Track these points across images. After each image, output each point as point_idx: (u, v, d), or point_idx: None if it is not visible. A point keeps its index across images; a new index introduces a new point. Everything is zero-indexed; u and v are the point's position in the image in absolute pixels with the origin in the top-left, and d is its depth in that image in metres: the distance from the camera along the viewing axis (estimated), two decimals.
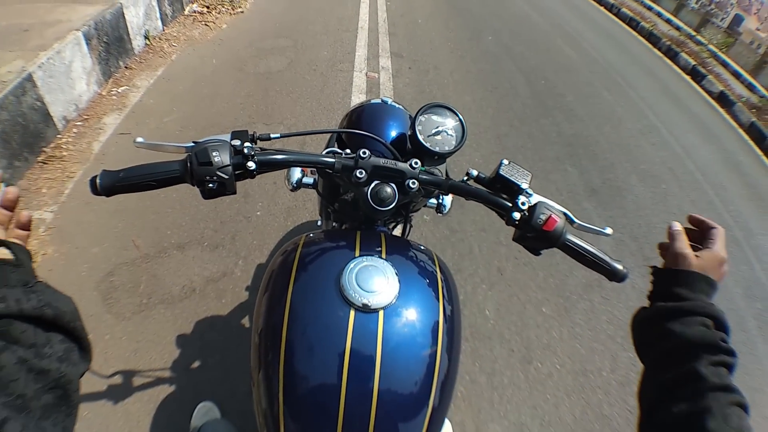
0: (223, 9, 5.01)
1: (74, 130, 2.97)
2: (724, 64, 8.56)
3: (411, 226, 1.24)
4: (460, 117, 1.01)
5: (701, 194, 4.12)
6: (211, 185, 0.75)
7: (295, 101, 3.71)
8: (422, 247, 0.98)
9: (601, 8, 11.73)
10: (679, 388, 0.63)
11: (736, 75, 8.19)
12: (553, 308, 2.54)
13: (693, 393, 0.61)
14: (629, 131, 4.76)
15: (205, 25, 4.65)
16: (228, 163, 0.76)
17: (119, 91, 3.43)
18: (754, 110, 6.50)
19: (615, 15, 11.18)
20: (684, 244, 0.78)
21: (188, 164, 0.76)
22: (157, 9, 4.15)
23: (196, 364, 1.93)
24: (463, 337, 2.19)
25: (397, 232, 1.35)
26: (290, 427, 0.73)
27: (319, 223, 1.71)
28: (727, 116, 6.27)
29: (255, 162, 0.79)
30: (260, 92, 3.74)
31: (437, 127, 0.99)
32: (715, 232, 0.78)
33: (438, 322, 0.81)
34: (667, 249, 0.81)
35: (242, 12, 5.13)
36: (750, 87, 7.64)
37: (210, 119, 3.31)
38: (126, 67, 3.68)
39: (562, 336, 2.42)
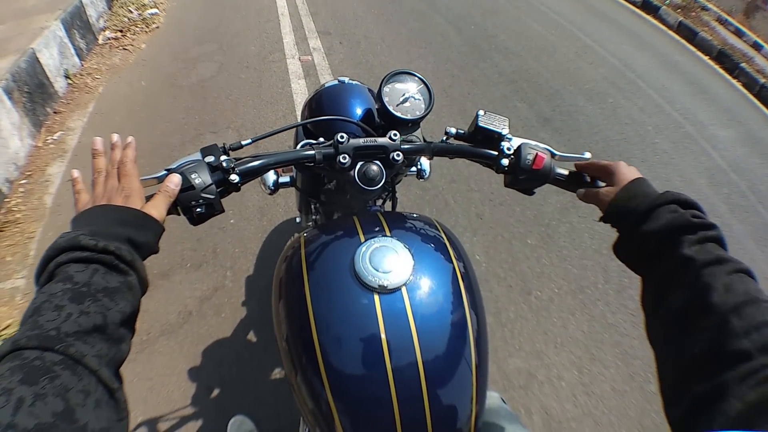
0: (138, 29, 4.80)
1: (21, 189, 2.86)
2: None
3: (397, 198, 1.25)
4: (423, 79, 1.01)
5: (647, 100, 4.28)
6: (198, 210, 0.73)
7: (236, 102, 3.64)
8: (419, 215, 0.98)
9: None
10: (672, 278, 0.63)
11: None
12: (537, 238, 2.64)
13: (687, 277, 0.60)
14: (566, 56, 4.87)
15: (124, 49, 4.46)
16: (210, 182, 0.74)
17: (55, 138, 3.30)
18: (679, 10, 6.67)
19: None
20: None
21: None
22: (70, 45, 3.96)
23: (215, 383, 1.92)
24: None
25: (387, 207, 1.34)
26: (344, 420, 0.73)
27: (298, 220, 1.68)
28: (655, 21, 6.46)
29: (237, 173, 0.78)
30: (199, 102, 3.66)
31: (403, 95, 0.99)
32: (611, 167, 0.80)
33: (458, 282, 0.81)
34: (591, 195, 0.83)
35: (158, 27, 4.93)
36: None
37: (156, 141, 3.22)
38: (55, 112, 3.53)
39: (552, 261, 2.52)
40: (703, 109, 4.33)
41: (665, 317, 0.62)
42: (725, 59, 5.49)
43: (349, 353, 0.74)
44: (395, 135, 0.88)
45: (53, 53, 3.67)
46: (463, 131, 0.94)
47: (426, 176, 1.19)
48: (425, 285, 0.78)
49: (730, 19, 6.71)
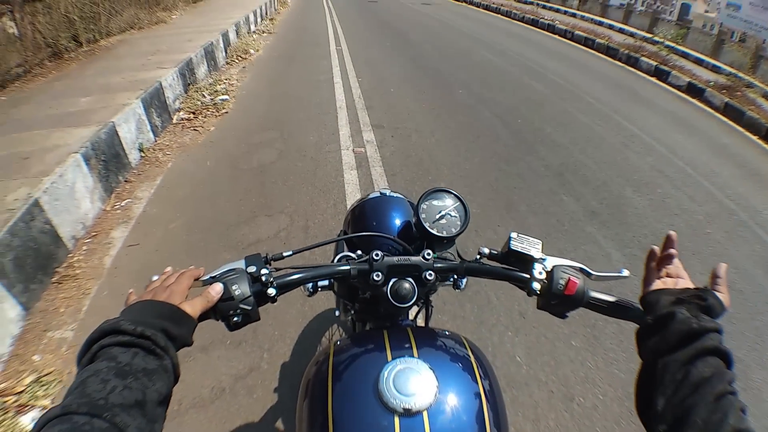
0: (209, 112, 5.26)
1: (84, 247, 3.06)
2: (685, 55, 8.81)
3: (432, 308, 1.26)
4: (460, 197, 1.05)
5: (697, 187, 4.21)
6: (236, 318, 0.77)
7: (291, 189, 3.84)
8: (449, 333, 0.99)
9: (556, 36, 12.32)
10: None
11: (698, 62, 8.43)
12: (582, 340, 2.55)
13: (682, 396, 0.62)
14: (612, 146, 4.91)
15: (194, 130, 4.88)
16: (249, 294, 0.77)
17: (122, 204, 3.56)
18: (724, 91, 6.63)
19: (570, 39, 11.77)
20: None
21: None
22: (147, 122, 4.36)
23: None
24: (501, 388, 2.25)
25: (420, 316, 1.37)
26: None
27: (336, 313, 1.74)
28: (700, 104, 6.48)
29: (274, 287, 0.81)
30: (257, 186, 3.88)
31: (440, 212, 1.02)
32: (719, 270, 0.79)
33: (481, 401, 0.82)
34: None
35: (227, 112, 5.39)
36: (715, 69, 7.85)
37: (213, 219, 3.42)
38: (126, 181, 3.83)
39: (597, 365, 2.42)
40: (756, 192, 4.22)
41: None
42: None
43: None
44: (428, 255, 0.90)
45: (131, 128, 4.05)
46: (496, 251, 0.95)
47: (462, 287, 1.21)
48: (448, 409, 0.77)
49: None
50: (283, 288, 0.83)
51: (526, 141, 4.95)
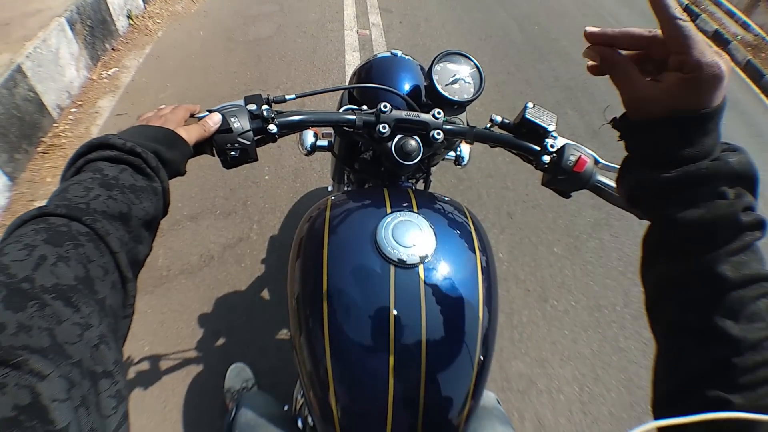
0: None
1: (70, 117, 2.94)
2: (717, 3, 8.39)
3: (431, 180, 1.22)
4: (476, 63, 0.97)
5: None
6: (233, 153, 0.74)
7: (288, 65, 3.65)
8: (450, 199, 0.96)
9: None
10: (694, 300, 0.46)
11: (730, 14, 8.03)
12: (564, 248, 2.57)
13: (712, 302, 0.44)
14: None
15: None
16: (248, 128, 0.74)
17: (110, 73, 3.37)
18: (749, 48, 6.41)
19: None
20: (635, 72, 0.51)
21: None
22: None
23: (223, 328, 1.95)
24: None
25: (419, 187, 1.32)
26: (339, 387, 0.73)
27: (330, 188, 1.67)
28: (723, 54, 6.18)
29: (275, 124, 0.78)
30: (252, 59, 3.68)
31: (454, 75, 0.95)
32: (681, 29, 0.44)
33: (477, 273, 0.80)
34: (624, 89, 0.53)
35: None
36: (744, 26, 7.49)
37: (206, 91, 3.27)
38: (113, 49, 3.61)
39: (575, 274, 2.45)
40: (758, 153, 4.12)
41: (675, 321, 0.48)
42: None
43: (355, 321, 0.74)
44: (439, 113, 0.86)
45: None
46: (509, 121, 0.91)
47: (464, 163, 1.15)
48: (443, 268, 0.77)
49: None
50: (285, 127, 0.80)
51: (539, 49, 4.68)
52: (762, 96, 5.43)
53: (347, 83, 1.22)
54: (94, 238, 0.46)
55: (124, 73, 3.40)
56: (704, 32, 6.70)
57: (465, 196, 2.72)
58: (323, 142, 1.29)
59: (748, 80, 5.67)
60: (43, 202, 1.68)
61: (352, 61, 3.76)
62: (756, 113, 4.93)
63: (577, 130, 3.62)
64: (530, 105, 0.88)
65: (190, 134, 0.69)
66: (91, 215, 0.47)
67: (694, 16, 7.12)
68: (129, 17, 3.89)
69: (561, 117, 3.67)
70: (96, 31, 3.39)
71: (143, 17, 4.08)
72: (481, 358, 0.76)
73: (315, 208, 0.92)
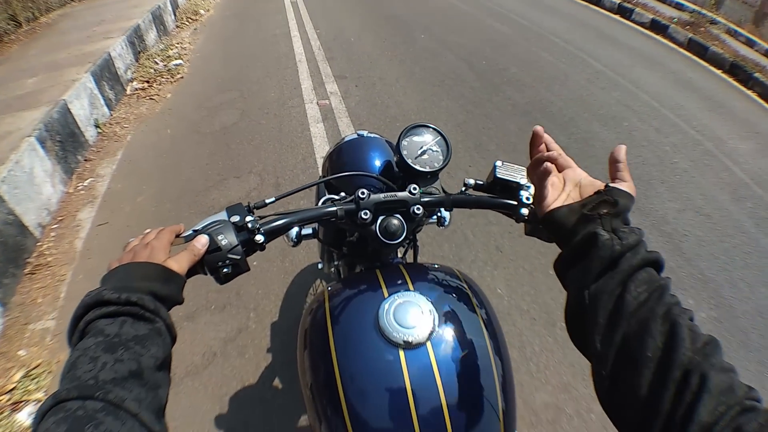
0: (163, 79, 5.04)
1: (52, 234, 2.97)
2: None
3: (419, 246, 1.24)
4: (439, 130, 1.03)
5: (663, 120, 4.26)
6: (225, 270, 0.74)
7: (257, 148, 3.75)
8: (441, 266, 0.99)
9: None
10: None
11: None
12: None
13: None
14: (578, 83, 4.90)
15: (150, 99, 4.68)
16: (236, 242, 0.74)
17: (85, 184, 3.43)
18: (688, 27, 6.70)
19: None
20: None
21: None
22: (100, 96, 4.17)
23: (239, 425, 1.93)
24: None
25: (408, 256, 1.36)
26: None
27: (320, 266, 1.70)
28: (664, 40, 6.51)
29: (262, 233, 0.78)
30: (222, 149, 3.78)
31: (421, 147, 1.01)
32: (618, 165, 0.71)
33: (481, 330, 0.83)
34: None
35: (182, 77, 5.17)
36: (678, 6, 7.85)
37: (181, 187, 3.33)
38: (86, 160, 3.69)
39: None
40: (721, 123, 4.29)
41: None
42: (738, 71, 5.46)
43: (375, 407, 0.75)
44: (414, 189, 0.89)
45: (84, 104, 3.87)
46: (481, 182, 0.94)
47: (446, 224, 1.18)
48: (449, 338, 0.79)
49: (740, 29, 6.72)
50: (271, 234, 0.81)
51: (492, 82, 4.89)
52: (711, 67, 5.67)
53: (318, 160, 1.27)
54: (112, 410, 0.48)
55: (99, 183, 3.46)
56: (642, 24, 7.01)
57: (451, 241, 2.77)
58: (308, 230, 1.29)
59: (694, 57, 5.94)
60: (38, 325, 1.70)
61: (318, 133, 3.87)
62: (709, 85, 5.14)
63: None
64: (499, 163, 0.91)
65: (181, 264, 0.69)
66: (102, 388, 0.49)
67: (628, 13, 7.45)
68: (97, 126, 3.99)
69: (526, 142, 3.80)
70: (67, 145, 3.47)
71: (110, 124, 4.19)
72: (504, 405, 0.78)
73: (314, 300, 0.95)
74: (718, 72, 5.65)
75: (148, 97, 4.71)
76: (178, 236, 0.76)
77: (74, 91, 3.76)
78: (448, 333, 0.80)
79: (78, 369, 0.51)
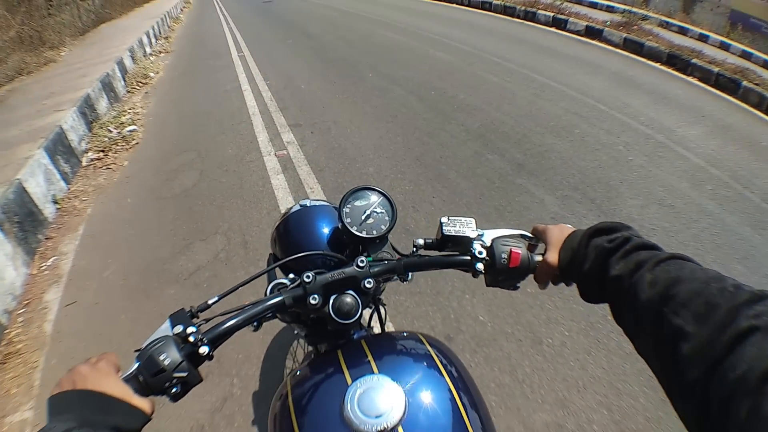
0: (119, 147, 5.02)
1: (20, 319, 2.89)
2: (578, 1, 9.24)
3: (385, 306, 1.20)
4: (382, 191, 0.99)
5: (612, 121, 4.48)
6: (174, 389, 0.69)
7: (220, 207, 3.77)
8: (406, 334, 0.97)
9: (453, 5, 12.50)
10: (618, 302, 0.69)
11: (593, 5, 8.87)
12: (536, 285, 2.67)
13: (625, 295, 0.65)
14: (525, 99, 5.11)
15: (107, 168, 4.65)
16: (180, 359, 0.69)
17: (49, 263, 3.37)
18: (621, 27, 7.09)
19: (467, 6, 11.98)
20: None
21: (140, 380, 0.68)
22: (55, 171, 4.12)
23: None
24: (471, 350, 2.31)
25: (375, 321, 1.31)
26: None
27: (296, 331, 1.69)
28: (601, 44, 6.89)
29: (206, 344, 0.73)
30: (184, 212, 3.77)
31: (365, 212, 0.96)
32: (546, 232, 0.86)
33: (453, 396, 0.81)
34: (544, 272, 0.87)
35: (138, 143, 5.16)
36: (609, 9, 8.32)
37: (148, 257, 3.31)
38: (47, 238, 3.62)
39: (556, 305, 2.56)
40: (667, 114, 4.53)
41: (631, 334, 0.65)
42: (676, 60, 5.74)
43: None
44: (362, 262, 0.86)
45: (39, 181, 3.80)
46: (431, 240, 0.93)
47: (409, 279, 1.13)
48: (421, 415, 0.76)
49: (671, 20, 7.12)
50: (216, 342, 0.76)
51: (443, 111, 5.06)
52: (650, 62, 6.00)
53: (274, 226, 1.22)
54: None
55: (63, 261, 3.40)
56: (577, 32, 7.36)
57: (427, 275, 2.77)
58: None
59: (632, 55, 6.28)
60: (15, 417, 1.73)
61: (279, 184, 3.93)
62: (651, 79, 5.41)
63: (503, 170, 3.88)
64: (444, 219, 0.91)
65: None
66: None
67: (563, 24, 7.83)
68: (55, 202, 3.93)
69: (484, 164, 3.93)
70: (26, 225, 3.40)
71: (69, 198, 4.12)
72: None
73: (282, 387, 0.93)
74: (657, 65, 5.96)
75: (104, 167, 4.67)
76: (119, 371, 0.71)
77: (28, 169, 3.70)
78: (420, 411, 0.77)
79: None
